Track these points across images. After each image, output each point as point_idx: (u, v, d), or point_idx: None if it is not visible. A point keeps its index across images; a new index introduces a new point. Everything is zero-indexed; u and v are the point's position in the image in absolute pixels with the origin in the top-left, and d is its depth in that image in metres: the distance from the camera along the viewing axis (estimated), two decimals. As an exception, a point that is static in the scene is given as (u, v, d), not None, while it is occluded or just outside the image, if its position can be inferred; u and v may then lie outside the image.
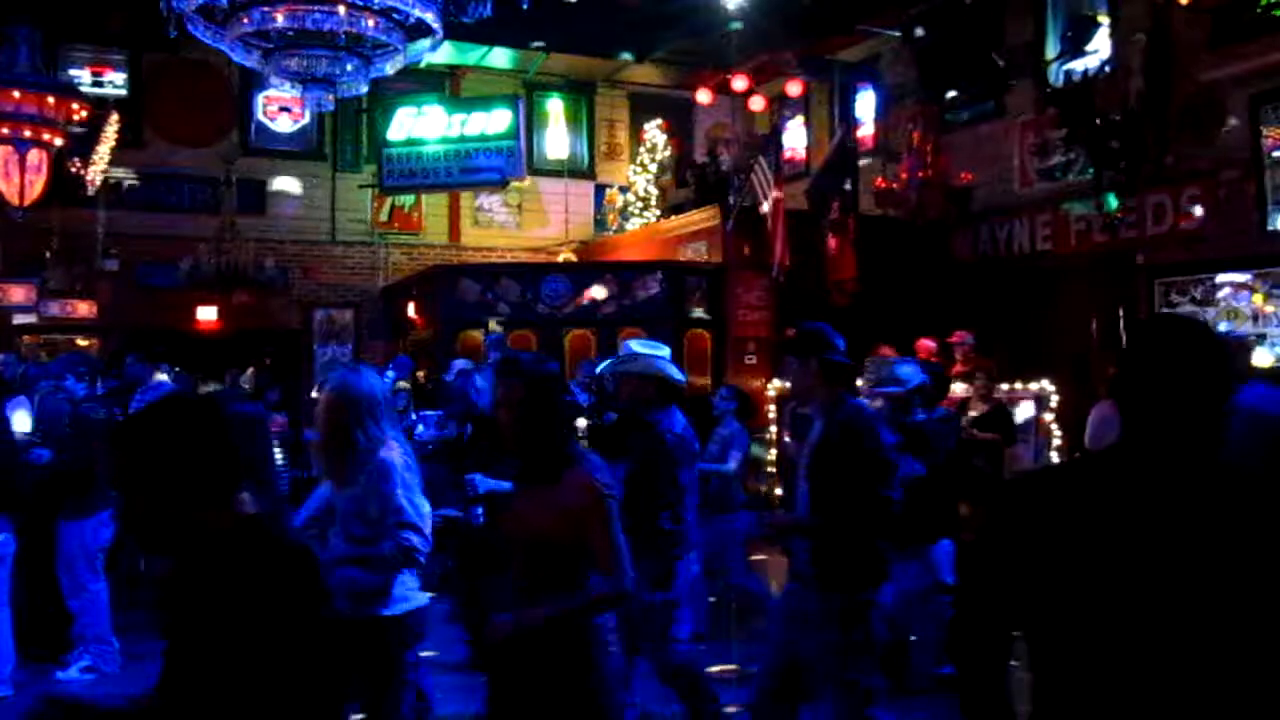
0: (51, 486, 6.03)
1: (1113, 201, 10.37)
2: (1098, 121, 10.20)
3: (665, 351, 4.80)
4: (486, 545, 5.08)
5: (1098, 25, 11.30)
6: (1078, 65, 11.24)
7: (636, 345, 4.88)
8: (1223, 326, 9.89)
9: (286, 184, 15.00)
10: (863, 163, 12.67)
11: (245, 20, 7.06)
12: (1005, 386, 9.43)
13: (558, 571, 2.99)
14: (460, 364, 8.79)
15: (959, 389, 9.56)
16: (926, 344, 10.14)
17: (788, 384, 4.48)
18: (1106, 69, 10.77)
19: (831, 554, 3.86)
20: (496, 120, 14.29)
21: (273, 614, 1.81)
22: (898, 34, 13.04)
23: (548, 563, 3.00)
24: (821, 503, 3.89)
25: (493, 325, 11.20)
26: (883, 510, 3.91)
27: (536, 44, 14.71)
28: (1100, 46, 11.21)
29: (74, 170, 11.93)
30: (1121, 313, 10.40)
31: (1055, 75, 11.60)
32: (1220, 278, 9.97)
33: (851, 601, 3.85)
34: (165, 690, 1.88)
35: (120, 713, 1.93)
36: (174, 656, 1.89)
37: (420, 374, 11.51)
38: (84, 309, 13.30)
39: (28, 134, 9.87)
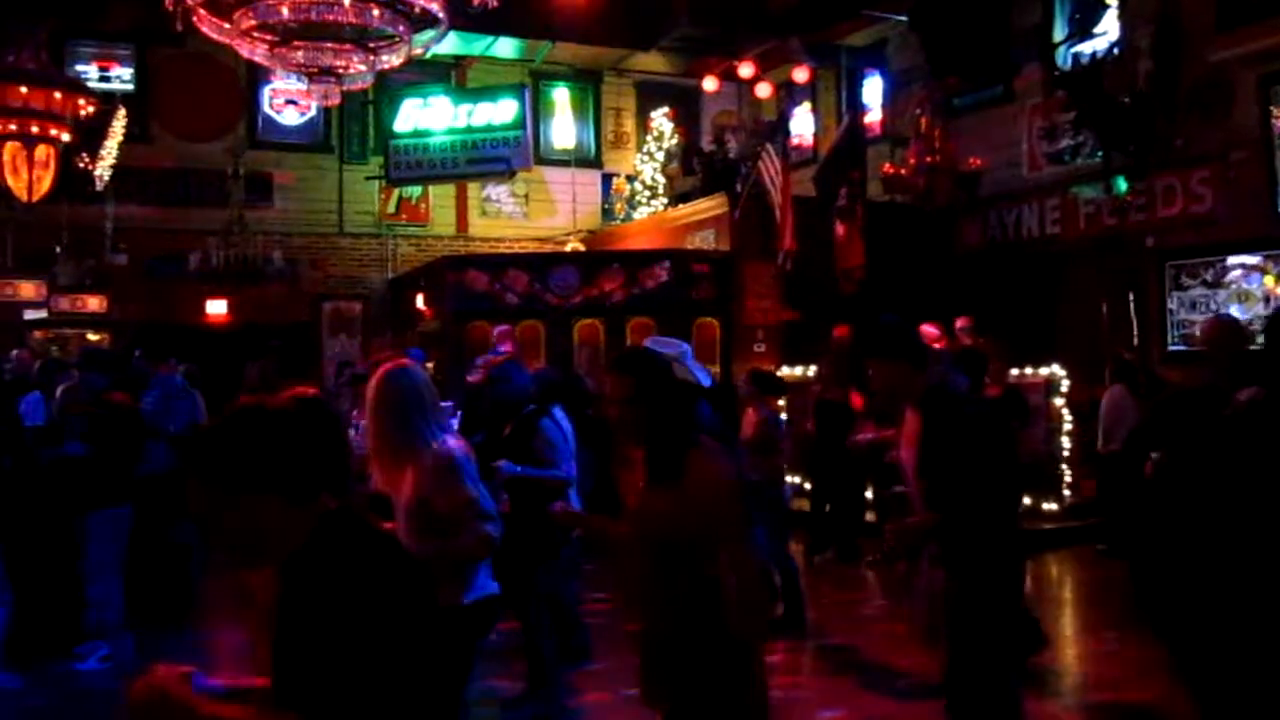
0: (79, 478, 6.07)
1: (1122, 184, 10.33)
2: (1106, 104, 10.16)
3: (680, 348, 4.70)
4: (515, 531, 5.12)
5: (1105, 7, 11.25)
6: (1086, 48, 11.19)
7: (649, 344, 4.88)
8: (1234, 309, 9.85)
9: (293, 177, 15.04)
10: (870, 149, 12.62)
11: (251, 14, 7.06)
12: (1015, 371, 9.41)
13: (687, 571, 2.87)
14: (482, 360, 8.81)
15: (967, 374, 9.55)
16: (928, 330, 10.13)
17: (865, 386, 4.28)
18: (1115, 51, 10.71)
19: (965, 540, 3.77)
20: (503, 110, 14.28)
21: (369, 601, 1.81)
22: (904, 18, 12.98)
23: (677, 562, 2.88)
24: (945, 493, 3.75)
25: None
26: (1005, 483, 3.88)
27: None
28: (1108, 29, 11.15)
29: (82, 165, 11.96)
30: (1131, 296, 10.37)
31: (1063, 58, 11.55)
32: (1231, 260, 9.93)
33: (992, 581, 3.81)
34: (278, 678, 1.86)
35: (238, 696, 1.91)
36: (282, 648, 1.86)
37: (430, 365, 11.52)
38: (94, 304, 13.38)
39: (35, 130, 9.89)
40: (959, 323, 9.82)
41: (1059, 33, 11.77)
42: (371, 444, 3.71)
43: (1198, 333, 10.15)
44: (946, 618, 3.86)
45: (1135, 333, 10.32)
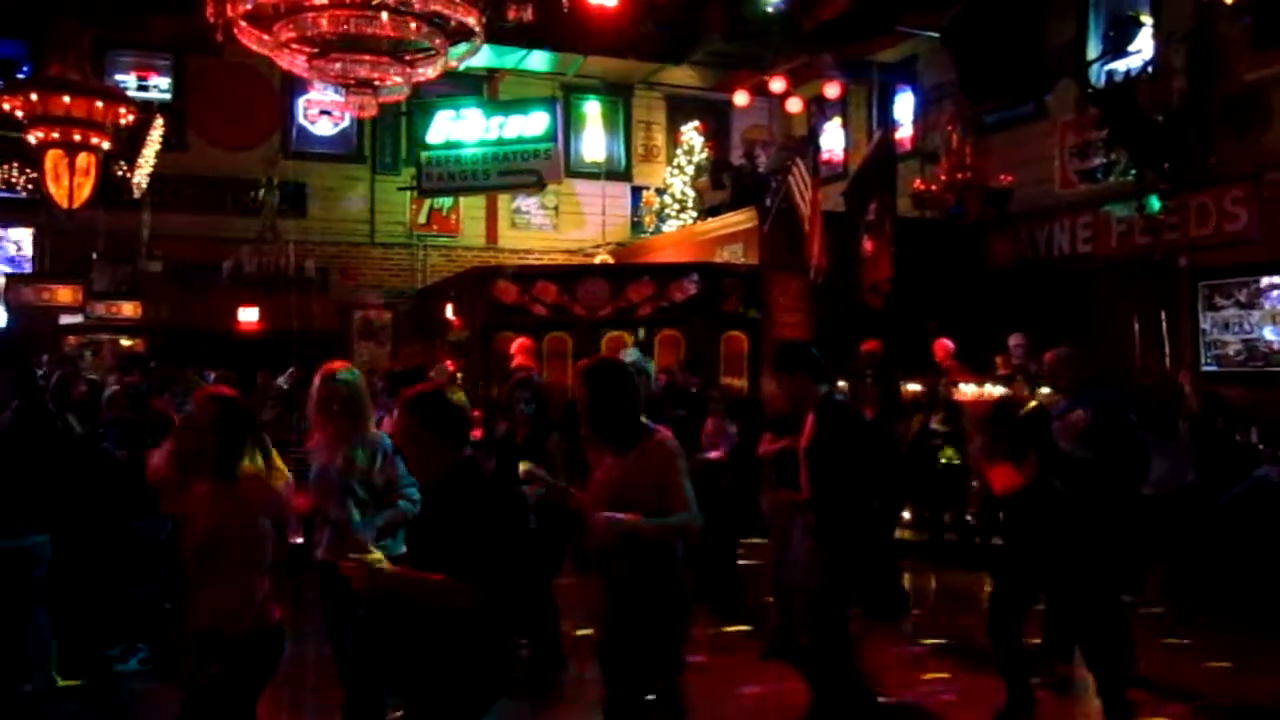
0: (123, 482, 6.15)
1: (1155, 203, 10.26)
2: (1140, 122, 10.11)
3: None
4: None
5: (1140, 25, 11.19)
6: (1120, 65, 11.13)
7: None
8: (1268, 330, 9.77)
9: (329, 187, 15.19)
10: (901, 165, 12.61)
11: (290, 26, 7.16)
12: (1046, 390, 9.35)
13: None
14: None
15: (998, 391, 9.52)
16: (945, 344, 10.10)
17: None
18: (1149, 69, 10.65)
19: (829, 518, 4.79)
20: (534, 123, 14.36)
21: (492, 509, 3.12)
22: (936, 35, 12.97)
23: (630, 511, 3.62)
24: (820, 478, 4.81)
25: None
26: (870, 479, 4.98)
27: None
28: (1143, 46, 11.10)
29: (120, 173, 12.12)
30: (1164, 316, 10.30)
31: (1097, 76, 11.49)
32: (1265, 280, 9.84)
33: (840, 553, 4.78)
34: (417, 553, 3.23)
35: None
36: (424, 535, 3.23)
37: (459, 375, 11.60)
38: (128, 309, 13.53)
39: (77, 138, 10.04)
40: (1012, 340, 9.83)
41: (1093, 50, 11.71)
42: (319, 426, 4.59)
43: (1230, 353, 10.11)
44: (809, 578, 4.91)
45: (1167, 353, 10.24)
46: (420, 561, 3.13)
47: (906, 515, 9.93)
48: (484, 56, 13.65)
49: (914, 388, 10.17)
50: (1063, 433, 5.72)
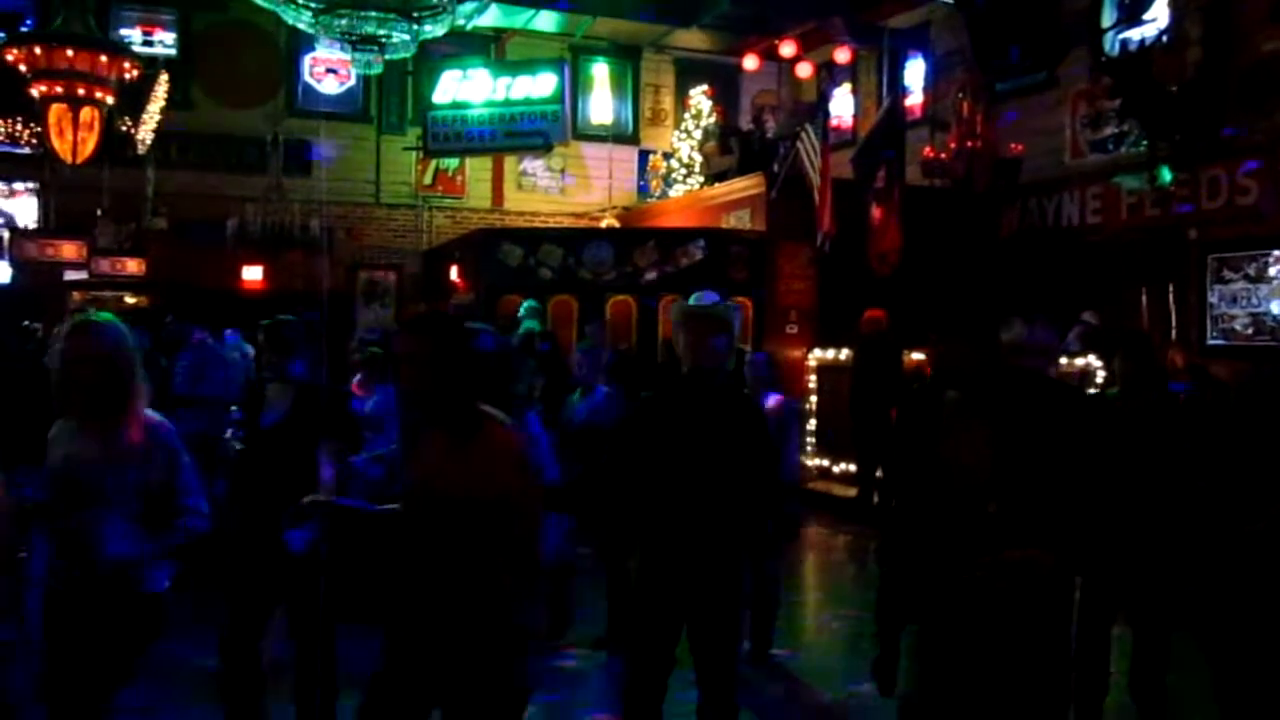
0: None
1: (1166, 175, 10.18)
2: (1153, 93, 10.00)
3: None
4: None
5: (1156, -7, 11.05)
6: (1134, 34, 10.99)
7: None
8: (1275, 305, 9.72)
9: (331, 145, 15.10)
10: (911, 132, 12.50)
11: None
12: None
13: (486, 534, 2.84)
14: None
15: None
16: None
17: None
18: (1164, 39, 10.52)
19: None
20: (541, 84, 14.23)
21: None
22: (949, 1, 12.82)
23: (473, 525, 2.84)
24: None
25: None
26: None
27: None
28: (1158, 15, 10.95)
29: (124, 129, 12.05)
30: (1171, 288, 10.24)
31: (1111, 44, 11.36)
32: (1275, 254, 9.78)
33: None
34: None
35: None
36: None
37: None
38: (133, 266, 13.53)
39: (81, 92, 9.96)
40: (1085, 315, 9.86)
41: (1108, 18, 11.57)
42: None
43: (1237, 327, 10.06)
44: None
45: (1174, 325, 10.20)
46: None
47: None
48: (492, 16, 13.52)
49: (918, 357, 10.15)
50: None
